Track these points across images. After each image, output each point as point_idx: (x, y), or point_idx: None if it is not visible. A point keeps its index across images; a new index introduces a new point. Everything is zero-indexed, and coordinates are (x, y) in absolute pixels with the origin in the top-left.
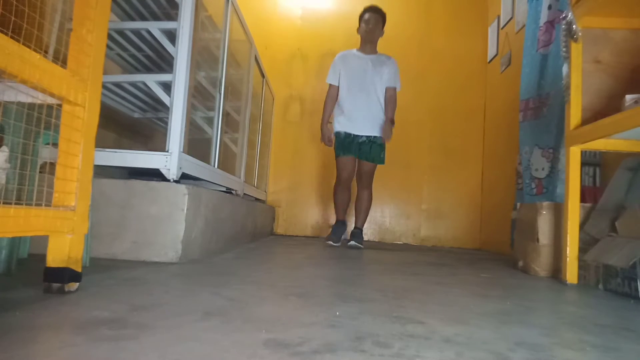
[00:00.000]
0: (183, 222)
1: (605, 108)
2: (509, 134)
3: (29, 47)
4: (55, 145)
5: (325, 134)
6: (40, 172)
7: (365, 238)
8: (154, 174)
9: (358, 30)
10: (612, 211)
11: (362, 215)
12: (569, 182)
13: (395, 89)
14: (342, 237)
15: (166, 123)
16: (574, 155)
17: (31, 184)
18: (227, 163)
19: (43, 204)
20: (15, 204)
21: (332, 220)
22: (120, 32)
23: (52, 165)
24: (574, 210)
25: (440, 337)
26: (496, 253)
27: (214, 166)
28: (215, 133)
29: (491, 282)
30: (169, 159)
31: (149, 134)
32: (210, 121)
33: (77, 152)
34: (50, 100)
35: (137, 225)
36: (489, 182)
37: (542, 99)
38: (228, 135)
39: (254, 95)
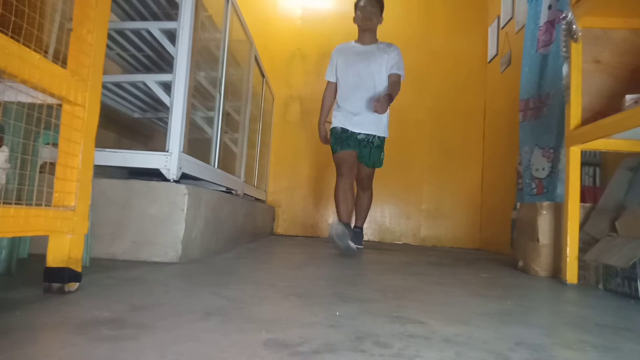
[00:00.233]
0: (183, 222)
1: (605, 108)
2: (509, 134)
3: (29, 47)
4: (55, 145)
5: (322, 133)
6: (40, 172)
7: (365, 238)
8: (154, 174)
9: (354, 19)
10: (612, 211)
11: (362, 213)
12: (569, 182)
13: (398, 75)
14: (349, 242)
15: (166, 123)
16: (574, 155)
17: (31, 184)
18: (227, 163)
19: (43, 204)
20: (15, 204)
21: (333, 219)
22: (120, 32)
23: (52, 165)
24: (574, 210)
25: (440, 337)
26: (496, 253)
27: (214, 166)
28: (215, 133)
29: (491, 282)
30: (169, 159)
31: (149, 134)
32: (210, 121)
33: (77, 152)
34: (50, 100)
35: (137, 225)
36: (489, 182)
37: (543, 99)
38: (228, 135)
39: (254, 95)
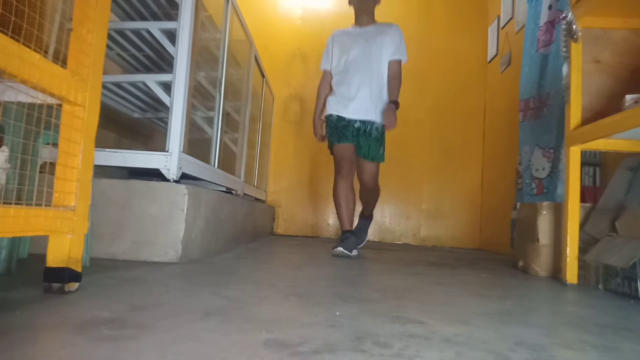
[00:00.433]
0: (183, 222)
1: (605, 108)
2: (509, 134)
3: (29, 47)
4: (55, 145)
5: (317, 129)
6: (40, 172)
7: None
8: (154, 174)
9: (349, 1)
10: (612, 211)
11: (370, 203)
12: (569, 182)
13: (399, 62)
14: (354, 247)
15: (166, 123)
16: (574, 155)
17: (31, 184)
18: (227, 163)
19: (43, 204)
20: (15, 204)
21: (333, 219)
22: (120, 32)
23: (52, 165)
24: (574, 210)
25: (440, 337)
26: (496, 253)
27: (214, 166)
28: (215, 133)
29: (491, 282)
30: (169, 159)
31: (149, 134)
32: (210, 121)
33: (77, 152)
34: (50, 100)
35: (137, 225)
36: (489, 182)
37: (543, 99)
38: (228, 135)
39: (254, 95)
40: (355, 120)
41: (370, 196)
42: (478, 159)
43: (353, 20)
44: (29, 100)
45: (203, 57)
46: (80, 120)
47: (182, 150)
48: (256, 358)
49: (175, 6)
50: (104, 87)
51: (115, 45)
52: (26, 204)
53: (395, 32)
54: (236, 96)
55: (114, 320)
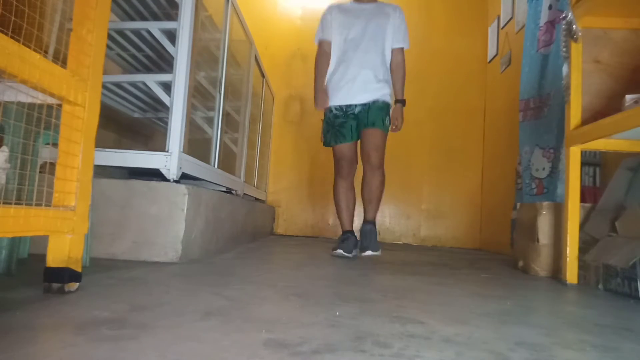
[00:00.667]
0: (183, 222)
1: (605, 108)
2: (509, 134)
3: (29, 47)
4: (55, 145)
5: (320, 99)
6: (40, 172)
7: None
8: (154, 174)
9: None
10: (612, 211)
11: (372, 204)
12: (569, 182)
13: (402, 50)
14: (354, 247)
15: (166, 123)
16: (574, 155)
17: (31, 184)
18: (227, 163)
19: (43, 204)
20: (15, 204)
21: (333, 219)
22: (120, 32)
23: (52, 165)
24: (574, 210)
25: (440, 337)
26: (496, 253)
27: (214, 166)
28: (215, 133)
29: (491, 282)
30: (169, 159)
31: (149, 134)
32: (210, 121)
33: (77, 152)
34: (50, 100)
35: (137, 225)
36: (489, 182)
37: (543, 99)
38: (228, 135)
39: (254, 95)
40: (355, 105)
41: (374, 185)
42: (478, 159)
43: None
44: (29, 100)
45: (203, 57)
46: (80, 120)
47: (182, 150)
48: (256, 358)
49: (175, 6)
50: (104, 87)
51: (115, 45)
52: (26, 204)
53: (398, 15)
54: (236, 96)
55: (114, 320)
